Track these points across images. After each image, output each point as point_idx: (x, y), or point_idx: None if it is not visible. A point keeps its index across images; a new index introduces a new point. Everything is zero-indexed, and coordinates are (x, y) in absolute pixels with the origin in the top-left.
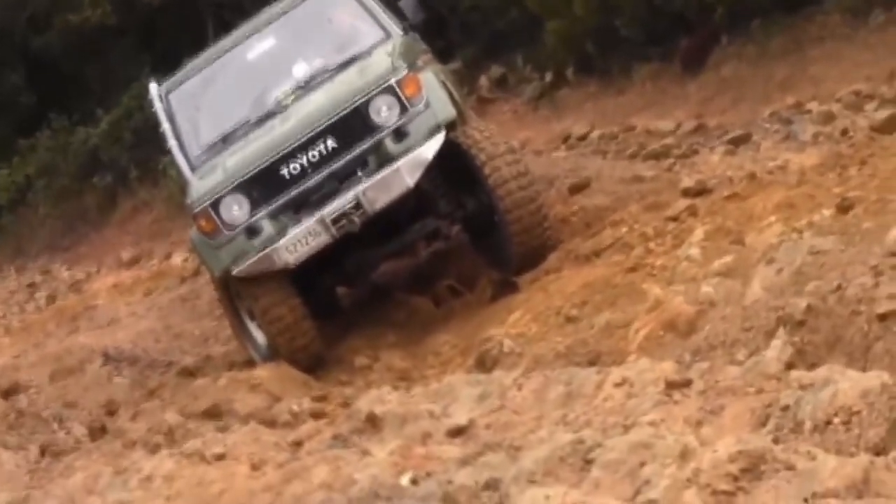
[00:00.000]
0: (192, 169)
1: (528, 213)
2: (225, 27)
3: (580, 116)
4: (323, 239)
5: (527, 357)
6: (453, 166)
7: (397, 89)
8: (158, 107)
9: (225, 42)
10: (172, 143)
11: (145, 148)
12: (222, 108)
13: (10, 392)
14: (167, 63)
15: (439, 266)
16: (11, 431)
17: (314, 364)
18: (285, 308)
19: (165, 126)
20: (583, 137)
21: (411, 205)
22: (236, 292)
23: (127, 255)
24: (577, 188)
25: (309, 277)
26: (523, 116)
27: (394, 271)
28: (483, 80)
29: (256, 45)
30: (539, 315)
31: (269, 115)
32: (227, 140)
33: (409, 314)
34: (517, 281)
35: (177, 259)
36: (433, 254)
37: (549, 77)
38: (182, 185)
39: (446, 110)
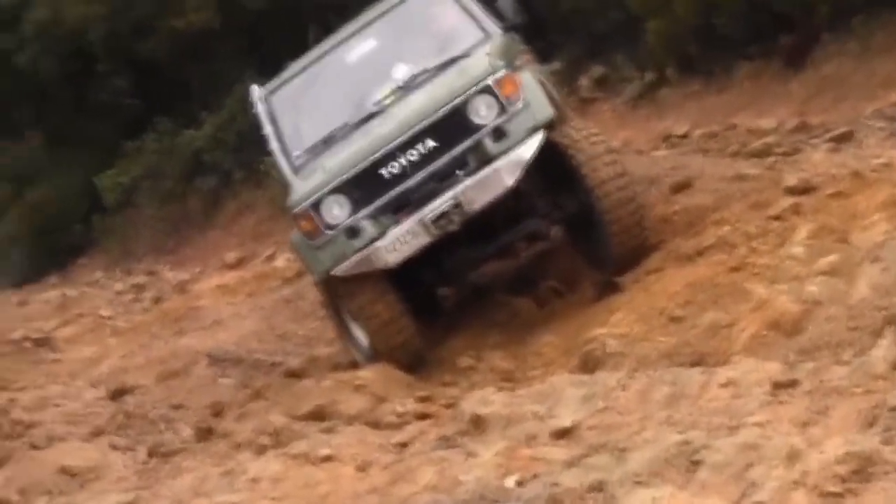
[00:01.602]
0: (294, 170)
1: (626, 213)
2: (327, 30)
3: (681, 115)
4: (423, 239)
5: (630, 357)
6: (552, 166)
7: (495, 89)
8: (260, 109)
9: (325, 44)
10: (274, 145)
11: (248, 150)
12: (323, 110)
13: (118, 393)
14: (270, 66)
15: (540, 267)
16: (120, 433)
17: (415, 362)
18: (382, 304)
19: (267, 128)
20: (684, 136)
21: (510, 205)
22: (338, 293)
23: (230, 256)
24: (679, 187)
25: (410, 278)
26: (624, 116)
27: (495, 272)
28: (584, 80)
29: (356, 46)
30: (642, 315)
31: (369, 117)
32: (327, 142)
33: (511, 315)
34: (619, 281)
35: (280, 260)
36: (534, 255)
37: (649, 76)
38: (284, 187)
39: (545, 110)
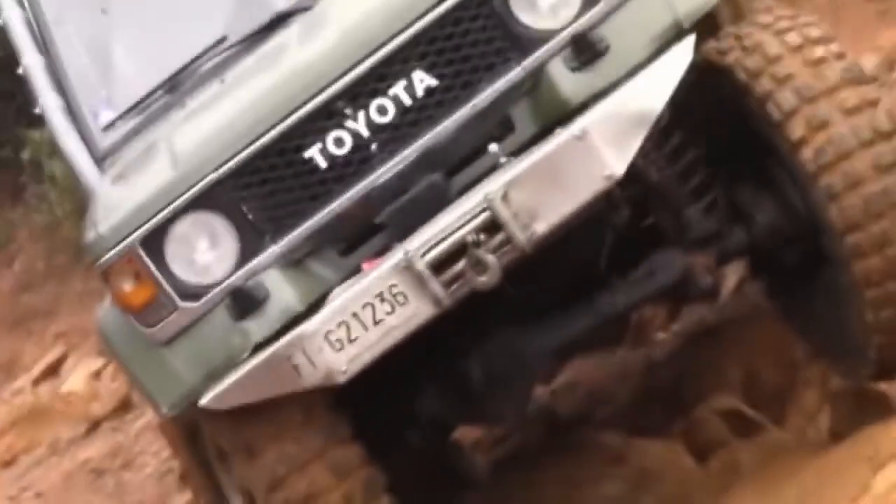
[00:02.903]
0: (100, 158)
1: None
2: None
3: None
4: (415, 311)
5: None
6: (715, 122)
7: None
8: (13, 18)
9: None
10: (50, 100)
11: None
12: (163, 14)
13: None
14: None
15: (699, 364)
16: None
17: None
18: (326, 468)
19: (30, 62)
20: None
21: (620, 220)
22: (218, 451)
23: None
24: None
25: (387, 404)
26: None
27: (588, 381)
28: None
29: None
30: None
31: (276, 23)
32: (175, 89)
33: (632, 484)
34: (888, 391)
35: (76, 376)
36: (686, 337)
37: None
38: (77, 199)
39: None
